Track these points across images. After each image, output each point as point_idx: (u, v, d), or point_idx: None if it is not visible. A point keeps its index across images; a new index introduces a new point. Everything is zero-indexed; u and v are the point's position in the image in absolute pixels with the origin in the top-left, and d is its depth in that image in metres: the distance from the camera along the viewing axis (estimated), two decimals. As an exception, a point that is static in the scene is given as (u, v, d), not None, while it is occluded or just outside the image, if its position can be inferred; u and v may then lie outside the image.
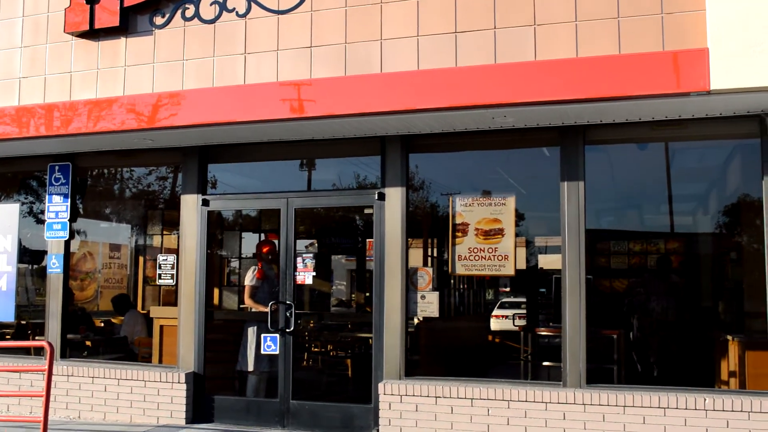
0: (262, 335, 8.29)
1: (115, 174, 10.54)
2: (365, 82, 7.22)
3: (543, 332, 9.39)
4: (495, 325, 15.70)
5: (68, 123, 8.15)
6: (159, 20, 8.26)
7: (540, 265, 13.62)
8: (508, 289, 19.65)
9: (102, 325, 11.35)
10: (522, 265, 7.98)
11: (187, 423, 8.29)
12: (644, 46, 6.54)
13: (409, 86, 7.00)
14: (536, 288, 12.49)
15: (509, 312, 15.88)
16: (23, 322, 10.48)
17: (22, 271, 10.40)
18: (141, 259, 11.97)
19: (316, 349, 11.14)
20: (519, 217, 8.72)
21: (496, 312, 17.41)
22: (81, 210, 9.72)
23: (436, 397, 7.41)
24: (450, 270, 7.96)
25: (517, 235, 7.82)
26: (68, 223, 9.16)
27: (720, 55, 6.14)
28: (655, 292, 10.20)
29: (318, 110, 7.26)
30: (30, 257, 10.39)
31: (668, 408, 6.72)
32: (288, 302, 8.17)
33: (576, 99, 6.49)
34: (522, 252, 7.91)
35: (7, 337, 10.36)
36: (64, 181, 9.22)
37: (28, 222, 10.14)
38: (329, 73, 7.52)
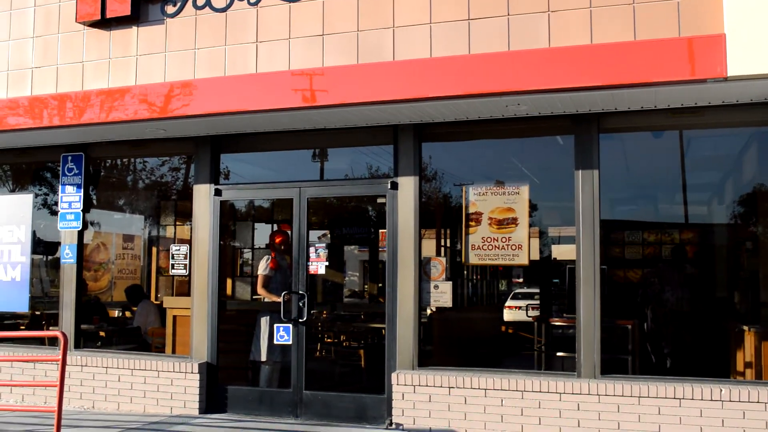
0: (275, 325, 8.27)
1: (128, 164, 10.56)
2: (377, 70, 7.16)
3: (557, 323, 9.33)
4: (508, 315, 15.69)
5: (81, 113, 8.15)
6: (170, 9, 8.23)
7: (553, 256, 13.56)
8: (521, 280, 19.62)
9: (118, 315, 11.39)
10: (536, 255, 7.91)
11: (200, 413, 8.29)
12: (660, 33, 6.46)
13: (422, 74, 6.94)
14: (550, 278, 12.43)
15: (522, 303, 15.87)
16: (38, 313, 10.52)
17: (36, 262, 10.45)
18: (154, 249, 11.98)
19: (329, 340, 11.13)
20: (532, 207, 8.64)
21: (509, 303, 17.41)
22: (94, 200, 9.72)
23: (449, 387, 7.38)
24: (463, 260, 7.91)
25: (530, 225, 7.76)
26: (81, 213, 9.17)
27: (737, 40, 6.05)
28: (670, 282, 10.11)
29: (330, 99, 7.21)
30: (44, 248, 10.42)
31: (684, 399, 6.67)
32: (301, 292, 8.15)
33: (590, 86, 6.41)
34: (535, 242, 7.85)
35: (22, 327, 10.41)
36: (77, 172, 9.23)
37: (42, 213, 10.16)
38: (341, 61, 7.47)
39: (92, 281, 11.03)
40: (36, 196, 10.04)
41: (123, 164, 10.48)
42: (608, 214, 10.86)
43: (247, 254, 10.95)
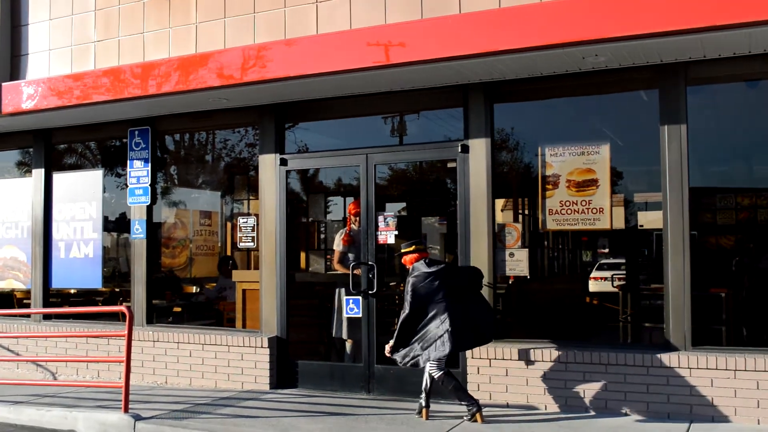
0: (345, 298, 8.00)
1: (198, 138, 10.38)
2: (442, 24, 6.71)
3: (645, 292, 8.77)
4: (593, 286, 15.11)
5: (145, 84, 7.97)
6: (229, -27, 7.98)
7: (640, 224, 12.85)
8: (606, 251, 18.89)
9: (196, 290, 11.30)
10: (620, 222, 7.38)
11: (271, 388, 8.11)
12: (753, -34, 5.82)
13: (490, 26, 6.48)
14: (637, 248, 11.79)
15: (608, 273, 15.25)
16: (117, 290, 10.52)
17: (115, 239, 10.46)
18: (228, 225, 11.86)
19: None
20: (617, 173, 8.08)
21: (594, 274, 16.78)
22: (166, 175, 9.62)
23: (527, 361, 6.97)
24: (540, 226, 7.44)
25: (615, 191, 7.23)
26: (149, 188, 9.07)
27: (844, -29, 5.39)
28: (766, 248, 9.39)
29: (395, 57, 6.79)
30: (116, 225, 10.40)
31: (786, 372, 6.10)
32: (370, 263, 7.83)
33: (674, 30, 5.84)
34: (620, 210, 7.31)
35: (99, 302, 10.44)
36: (144, 146, 9.12)
37: (114, 190, 10.11)
38: (404, 17, 7.08)
39: (170, 258, 10.97)
40: (107, 173, 9.96)
41: (194, 138, 10.32)
42: (699, 178, 10.15)
43: (322, 226, 10.69)
